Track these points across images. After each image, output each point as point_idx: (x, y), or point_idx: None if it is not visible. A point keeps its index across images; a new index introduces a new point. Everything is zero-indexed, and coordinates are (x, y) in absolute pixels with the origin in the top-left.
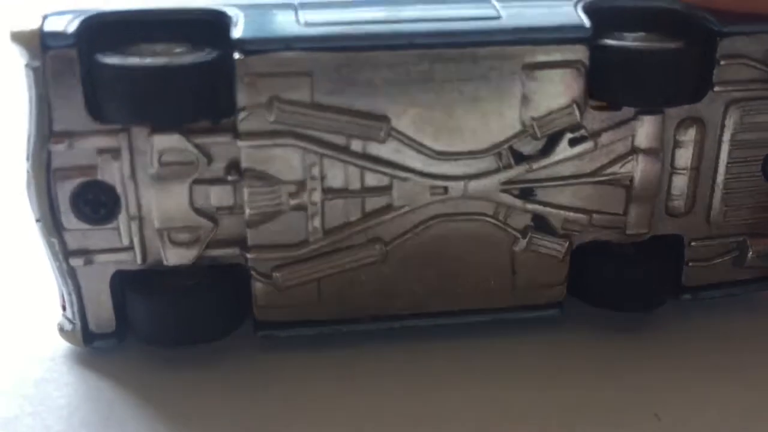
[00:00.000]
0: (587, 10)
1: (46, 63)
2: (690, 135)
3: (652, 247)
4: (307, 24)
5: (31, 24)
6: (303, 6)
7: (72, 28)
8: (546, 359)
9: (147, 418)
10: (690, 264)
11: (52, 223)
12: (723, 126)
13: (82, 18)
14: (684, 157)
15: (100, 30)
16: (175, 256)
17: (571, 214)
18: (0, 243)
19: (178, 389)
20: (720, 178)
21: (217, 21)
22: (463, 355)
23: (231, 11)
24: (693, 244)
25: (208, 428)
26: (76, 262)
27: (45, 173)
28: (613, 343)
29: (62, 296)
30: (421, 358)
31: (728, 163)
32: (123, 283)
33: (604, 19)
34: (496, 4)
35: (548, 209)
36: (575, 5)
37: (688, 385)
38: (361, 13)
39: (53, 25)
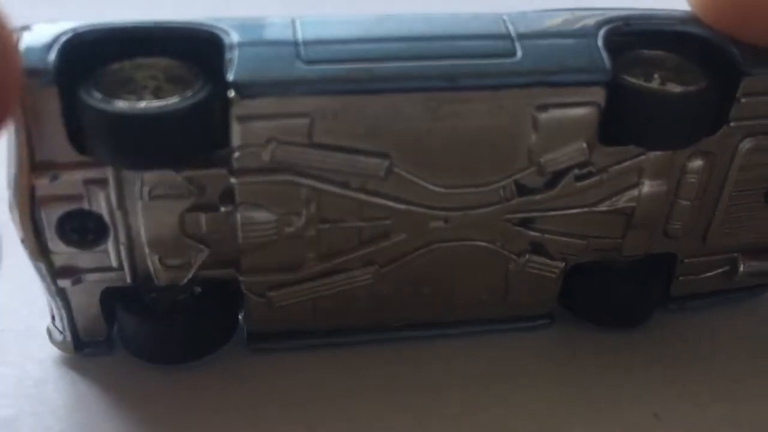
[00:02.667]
0: (609, 37)
1: (23, 99)
2: (698, 167)
3: (644, 265)
4: (308, 61)
5: None
6: (303, 28)
7: (51, 59)
8: (544, 359)
9: (147, 418)
10: (680, 278)
11: (37, 248)
12: (733, 158)
13: (61, 42)
14: (689, 187)
15: (82, 50)
16: (166, 279)
17: (569, 240)
18: None
19: (178, 389)
20: (722, 205)
21: (209, 39)
22: (460, 355)
23: (225, 36)
24: (686, 261)
25: (207, 428)
26: (65, 282)
27: (28, 201)
28: (613, 342)
29: (51, 309)
30: (417, 360)
31: (733, 192)
32: (113, 297)
33: (626, 44)
34: (514, 35)
35: (547, 236)
36: (596, 35)
37: (688, 384)
38: (365, 46)
39: (30, 55)
